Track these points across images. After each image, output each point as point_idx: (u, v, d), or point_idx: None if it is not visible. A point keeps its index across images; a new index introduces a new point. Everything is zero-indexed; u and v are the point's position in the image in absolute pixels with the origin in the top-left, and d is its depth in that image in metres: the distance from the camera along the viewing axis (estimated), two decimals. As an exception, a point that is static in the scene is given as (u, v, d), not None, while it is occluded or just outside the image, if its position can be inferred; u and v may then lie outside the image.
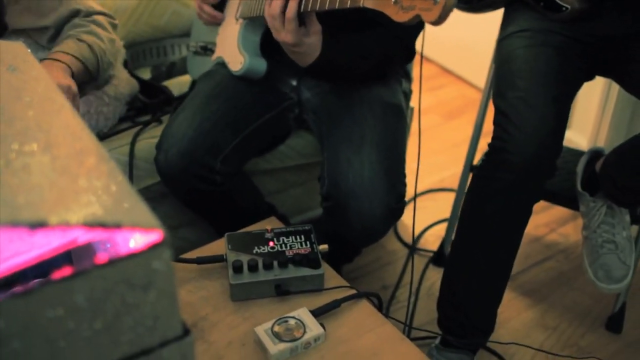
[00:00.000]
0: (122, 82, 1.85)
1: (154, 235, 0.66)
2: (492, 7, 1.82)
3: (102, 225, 0.63)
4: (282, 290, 1.36)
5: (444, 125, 2.98)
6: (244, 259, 1.38)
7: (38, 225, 0.60)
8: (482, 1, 1.79)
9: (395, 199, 1.55)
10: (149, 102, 1.92)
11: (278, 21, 1.40)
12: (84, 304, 0.63)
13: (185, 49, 2.21)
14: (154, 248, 0.65)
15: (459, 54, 3.28)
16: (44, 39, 1.70)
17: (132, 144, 1.73)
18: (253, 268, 1.36)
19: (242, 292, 1.36)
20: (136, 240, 0.66)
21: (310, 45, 1.44)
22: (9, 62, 0.93)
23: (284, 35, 1.41)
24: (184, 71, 2.11)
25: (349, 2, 1.26)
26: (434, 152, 2.69)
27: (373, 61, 1.62)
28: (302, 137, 1.92)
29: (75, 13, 1.69)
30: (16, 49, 0.99)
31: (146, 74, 2.12)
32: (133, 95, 1.91)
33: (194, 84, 2.00)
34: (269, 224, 1.52)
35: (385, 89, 1.70)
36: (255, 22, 1.64)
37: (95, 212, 0.64)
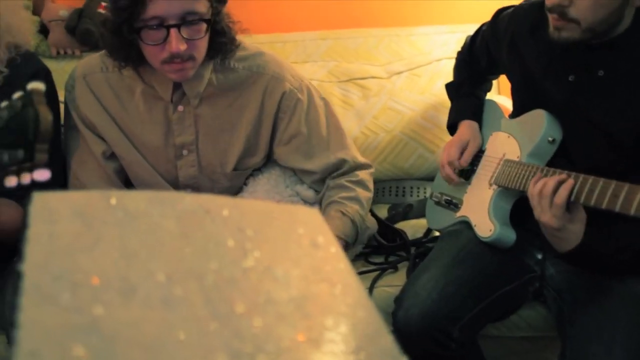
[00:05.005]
0: (365, 222, 1.90)
1: None
2: None
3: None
4: None
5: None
6: None
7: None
8: None
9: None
10: (386, 245, 1.95)
11: (546, 201, 1.38)
12: None
13: (423, 191, 2.25)
14: None
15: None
16: (308, 180, 1.80)
17: (370, 290, 1.76)
18: None
19: None
20: None
21: (573, 232, 1.40)
22: (310, 236, 0.94)
23: (549, 218, 1.38)
24: (419, 214, 2.14)
25: (617, 206, 1.24)
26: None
27: (630, 254, 1.53)
28: (535, 310, 1.84)
29: (341, 164, 1.76)
30: (314, 219, 1.01)
31: (383, 212, 2.18)
32: (371, 235, 1.95)
33: (429, 231, 2.02)
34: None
35: (638, 282, 1.61)
36: (509, 191, 1.63)
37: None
